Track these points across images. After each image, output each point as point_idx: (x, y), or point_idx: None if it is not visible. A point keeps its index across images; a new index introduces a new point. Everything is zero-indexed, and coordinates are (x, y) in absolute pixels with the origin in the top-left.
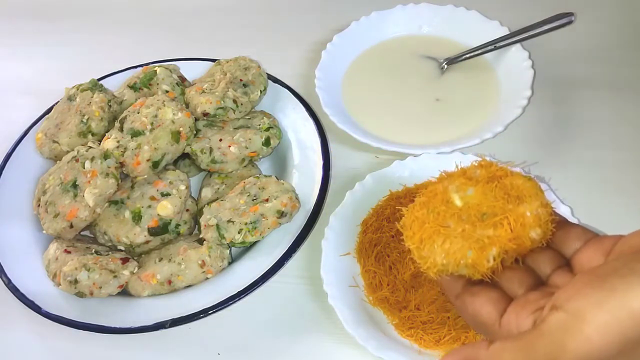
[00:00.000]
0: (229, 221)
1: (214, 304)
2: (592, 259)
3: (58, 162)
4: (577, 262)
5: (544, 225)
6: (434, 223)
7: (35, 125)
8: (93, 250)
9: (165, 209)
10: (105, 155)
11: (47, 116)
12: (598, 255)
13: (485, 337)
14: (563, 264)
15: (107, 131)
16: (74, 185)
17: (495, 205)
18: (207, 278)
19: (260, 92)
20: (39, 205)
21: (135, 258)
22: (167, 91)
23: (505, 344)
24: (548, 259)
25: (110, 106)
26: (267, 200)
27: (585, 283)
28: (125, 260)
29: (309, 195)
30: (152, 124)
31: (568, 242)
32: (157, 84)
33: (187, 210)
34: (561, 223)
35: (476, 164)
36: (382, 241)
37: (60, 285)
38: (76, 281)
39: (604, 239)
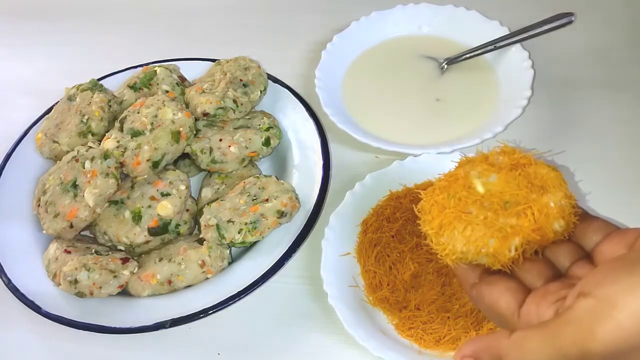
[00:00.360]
0: (229, 221)
1: (214, 304)
2: (615, 251)
3: (58, 162)
4: (598, 254)
5: (567, 217)
6: (455, 209)
7: (35, 125)
8: (93, 250)
9: (165, 209)
10: (105, 155)
11: (47, 116)
12: (621, 248)
13: (502, 328)
14: (583, 256)
15: (107, 131)
16: (74, 185)
17: (519, 194)
18: (207, 278)
19: (260, 92)
20: (39, 205)
21: (135, 258)
22: (167, 91)
23: (528, 332)
24: (567, 251)
25: (110, 106)
26: (267, 200)
27: (613, 269)
28: (125, 260)
29: (309, 195)
30: (152, 124)
31: (589, 235)
32: (157, 84)
33: (187, 210)
34: (582, 215)
35: (498, 150)
36: (382, 241)
37: (60, 285)
38: (76, 281)
39: (627, 231)
